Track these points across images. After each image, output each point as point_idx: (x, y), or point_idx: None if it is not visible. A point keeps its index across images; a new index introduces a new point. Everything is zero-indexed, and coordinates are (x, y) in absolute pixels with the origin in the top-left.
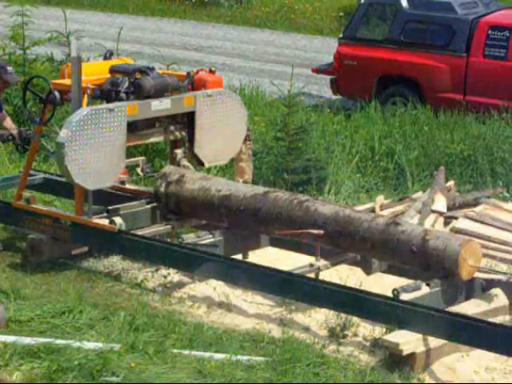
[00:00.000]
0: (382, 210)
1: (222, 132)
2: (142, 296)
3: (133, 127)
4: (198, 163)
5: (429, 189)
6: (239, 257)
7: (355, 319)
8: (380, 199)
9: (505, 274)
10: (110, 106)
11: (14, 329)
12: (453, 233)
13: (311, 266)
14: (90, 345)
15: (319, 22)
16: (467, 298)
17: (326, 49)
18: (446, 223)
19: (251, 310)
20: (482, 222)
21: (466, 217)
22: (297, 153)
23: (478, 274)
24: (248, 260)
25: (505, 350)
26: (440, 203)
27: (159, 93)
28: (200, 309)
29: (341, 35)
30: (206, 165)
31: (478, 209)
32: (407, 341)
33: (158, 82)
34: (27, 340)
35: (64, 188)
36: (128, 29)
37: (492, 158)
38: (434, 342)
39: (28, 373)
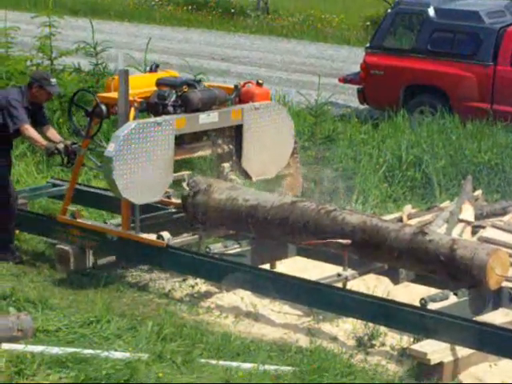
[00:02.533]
0: (409, 219)
1: (270, 145)
2: (169, 306)
3: (180, 141)
4: (246, 177)
5: (456, 198)
6: (267, 266)
7: (383, 329)
8: (407, 209)
9: None
10: (158, 119)
11: (42, 339)
12: (480, 242)
13: (339, 275)
14: (117, 354)
15: (346, 32)
16: (495, 308)
17: (352, 58)
18: (474, 232)
19: (279, 319)
20: (509, 232)
21: (494, 226)
22: (324, 162)
23: (505, 284)
24: (275, 270)
25: None
26: (468, 212)
27: (207, 106)
28: (227, 318)
29: (367, 45)
30: (254, 179)
31: (505, 218)
32: (435, 350)
33: (206, 95)
34: (55, 350)
35: (91, 198)
36: (155, 39)
37: None
38: (462, 351)
39: (56, 382)
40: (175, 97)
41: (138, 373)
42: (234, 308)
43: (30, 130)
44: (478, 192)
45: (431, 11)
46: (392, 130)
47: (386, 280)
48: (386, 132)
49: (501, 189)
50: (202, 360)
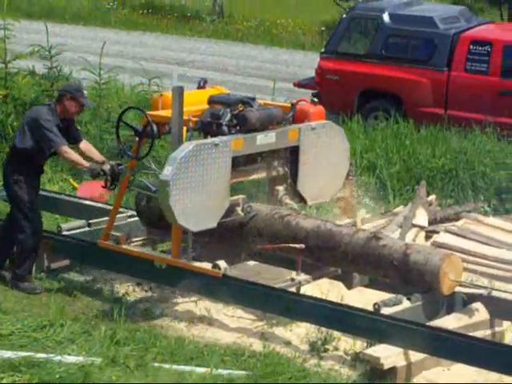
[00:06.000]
0: (363, 224)
1: (326, 167)
2: (123, 310)
3: (235, 163)
4: (300, 201)
5: (410, 203)
6: None
7: (336, 333)
8: (361, 213)
9: (485, 288)
10: (215, 140)
11: None
12: (434, 247)
13: (292, 280)
14: (71, 359)
15: (301, 37)
16: (448, 313)
17: (307, 63)
18: (428, 237)
19: (232, 324)
20: (463, 237)
21: (448, 231)
22: None
23: (459, 288)
24: (229, 274)
25: (485, 364)
26: (421, 217)
27: (264, 126)
28: (181, 323)
29: (322, 50)
30: (309, 202)
31: (459, 223)
32: (388, 355)
33: (264, 115)
34: (8, 354)
35: (45, 202)
36: (110, 43)
37: (473, 173)
38: (415, 356)
39: None
40: (230, 115)
41: (91, 377)
42: (187, 312)
43: (70, 153)
44: (432, 197)
45: (386, 17)
46: (346, 134)
47: (339, 285)
48: None
49: (454, 194)
50: (156, 364)
